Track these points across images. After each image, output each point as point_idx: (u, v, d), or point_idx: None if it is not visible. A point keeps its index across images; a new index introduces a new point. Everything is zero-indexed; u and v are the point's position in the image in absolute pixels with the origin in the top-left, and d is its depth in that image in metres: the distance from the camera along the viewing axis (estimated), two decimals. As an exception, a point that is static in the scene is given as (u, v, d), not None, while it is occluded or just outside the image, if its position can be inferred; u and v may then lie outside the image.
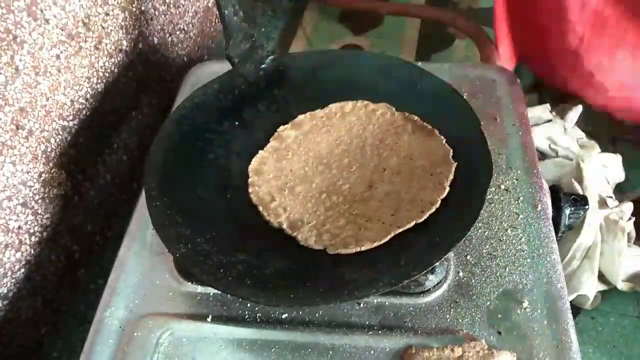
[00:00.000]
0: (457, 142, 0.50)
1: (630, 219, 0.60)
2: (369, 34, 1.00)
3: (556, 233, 0.51)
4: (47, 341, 0.61)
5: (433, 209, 0.45)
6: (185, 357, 0.44)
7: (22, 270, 0.56)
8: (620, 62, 0.60)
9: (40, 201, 0.56)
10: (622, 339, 0.58)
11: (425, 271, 0.41)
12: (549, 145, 0.64)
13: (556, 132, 0.63)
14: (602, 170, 0.63)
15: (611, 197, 0.61)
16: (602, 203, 0.60)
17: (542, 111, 0.66)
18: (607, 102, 0.65)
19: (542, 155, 0.65)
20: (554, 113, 0.67)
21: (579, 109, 0.67)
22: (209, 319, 0.45)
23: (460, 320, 0.44)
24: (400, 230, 0.45)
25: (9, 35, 0.49)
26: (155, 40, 0.74)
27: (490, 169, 0.45)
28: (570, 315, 0.44)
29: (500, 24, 0.72)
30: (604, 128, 0.74)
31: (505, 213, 0.51)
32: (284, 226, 0.47)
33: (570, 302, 0.56)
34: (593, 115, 0.71)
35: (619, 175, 0.65)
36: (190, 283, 0.48)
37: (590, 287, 0.56)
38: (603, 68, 0.61)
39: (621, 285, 0.57)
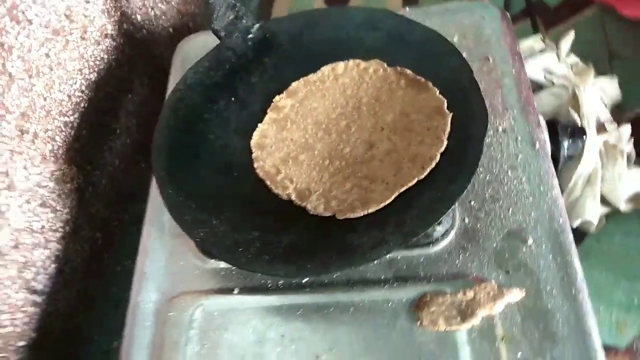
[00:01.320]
0: (451, 91, 0.51)
1: (629, 140, 0.61)
2: (353, -22, 0.97)
3: (556, 166, 0.53)
4: (86, 326, 0.65)
5: (433, 164, 0.47)
6: (218, 329, 0.47)
7: (53, 265, 0.59)
8: None
9: (57, 198, 0.59)
10: (628, 257, 0.60)
11: (430, 227, 0.43)
12: (544, 75, 0.64)
13: (550, 61, 0.63)
14: (599, 94, 0.63)
15: (609, 120, 0.62)
16: (601, 128, 0.61)
17: (534, 42, 0.65)
18: None
19: (538, 87, 0.65)
20: (547, 41, 0.66)
21: (571, 36, 0.66)
22: (235, 292, 0.49)
23: (469, 265, 0.47)
24: (404, 189, 0.46)
25: (-4, 44, 0.50)
26: (139, 17, 0.74)
27: (486, 118, 0.46)
28: (574, 248, 0.46)
29: None
30: (601, 47, 0.74)
31: (505, 154, 0.52)
32: (293, 197, 0.49)
33: (576, 227, 0.59)
34: (589, 38, 0.70)
35: (616, 97, 0.66)
36: (212, 260, 0.51)
37: (593, 213, 0.58)
38: None
39: (624, 207, 0.59)
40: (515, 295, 0.45)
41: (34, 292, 0.56)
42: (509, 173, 0.51)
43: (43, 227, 0.57)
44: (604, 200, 0.60)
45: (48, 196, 0.57)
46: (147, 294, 0.50)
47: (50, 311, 0.58)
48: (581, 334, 0.42)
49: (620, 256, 0.60)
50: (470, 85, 0.49)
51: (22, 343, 0.55)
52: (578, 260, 0.46)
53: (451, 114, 0.49)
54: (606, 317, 0.55)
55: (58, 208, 0.59)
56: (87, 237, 0.64)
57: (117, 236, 0.71)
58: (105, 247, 0.68)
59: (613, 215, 0.61)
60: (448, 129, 0.48)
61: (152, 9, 0.77)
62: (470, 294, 0.45)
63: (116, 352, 0.64)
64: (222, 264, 0.50)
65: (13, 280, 0.53)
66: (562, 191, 0.55)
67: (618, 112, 0.69)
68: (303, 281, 0.48)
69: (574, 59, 0.65)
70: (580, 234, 0.60)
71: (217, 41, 0.58)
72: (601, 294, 0.57)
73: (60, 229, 0.59)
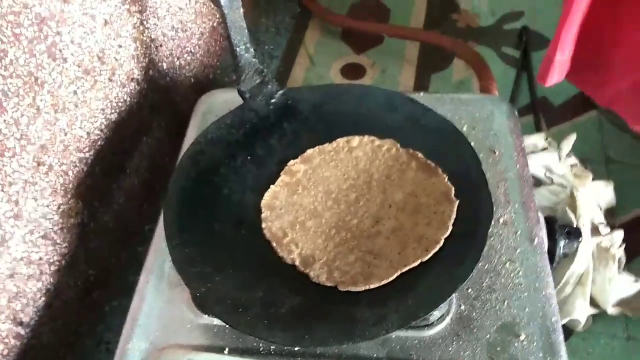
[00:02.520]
0: (459, 180, 0.53)
1: (620, 245, 0.63)
2: (370, 52, 1.02)
3: (551, 263, 0.54)
4: (65, 362, 0.64)
5: (437, 248, 0.48)
6: (205, 388, 0.47)
7: (43, 298, 0.58)
8: None
9: (59, 232, 0.59)
10: None
11: (432, 311, 0.44)
12: (544, 173, 0.67)
13: (551, 160, 0.66)
14: (595, 197, 0.66)
15: (603, 223, 0.65)
16: (594, 230, 0.63)
17: (537, 139, 0.69)
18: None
19: (538, 182, 0.68)
20: (549, 140, 0.70)
21: (572, 137, 0.69)
22: (225, 352, 0.48)
23: (462, 353, 0.47)
24: (407, 268, 0.47)
25: (31, 78, 0.52)
26: (165, 65, 0.77)
27: (491, 211, 0.48)
28: (564, 347, 0.47)
29: (568, 26, 0.67)
30: (598, 150, 0.77)
31: (504, 246, 0.54)
32: (297, 263, 0.50)
33: (563, 324, 0.60)
34: (587, 139, 0.74)
35: (611, 200, 0.69)
36: (207, 315, 0.51)
37: (582, 312, 0.59)
38: None
39: (611, 310, 0.61)
40: (504, 390, 0.45)
41: (20, 324, 0.55)
42: (507, 265, 0.52)
43: (41, 258, 0.57)
44: (592, 302, 0.61)
45: (51, 229, 0.58)
46: (136, 342, 0.50)
47: (32, 344, 0.57)
48: None
49: (604, 358, 0.61)
50: (478, 177, 0.51)
51: (-3, 376, 0.53)
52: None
53: (458, 201, 0.51)
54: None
55: (58, 241, 0.59)
56: (81, 272, 0.64)
57: (111, 274, 0.70)
58: (98, 285, 0.68)
59: (600, 316, 0.63)
60: (454, 215, 0.50)
61: (178, 58, 0.81)
62: (460, 383, 0.45)
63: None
64: (216, 321, 0.50)
65: (1, 309, 0.53)
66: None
67: (611, 216, 0.72)
68: (295, 349, 0.48)
69: (573, 160, 0.69)
70: (567, 331, 0.61)
71: (239, 99, 0.61)
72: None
73: (56, 262, 0.59)
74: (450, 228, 0.49)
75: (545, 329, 0.48)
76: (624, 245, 0.64)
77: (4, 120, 0.49)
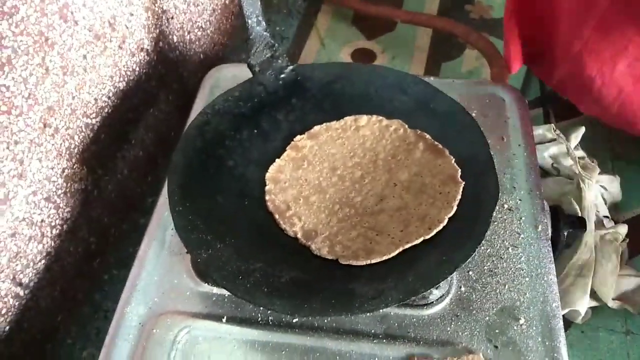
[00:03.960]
0: (466, 163, 0.53)
1: (624, 240, 0.63)
2: (381, 38, 1.02)
3: (554, 252, 0.54)
4: (62, 328, 0.64)
5: (440, 227, 0.48)
6: (201, 355, 0.47)
7: (43, 261, 0.58)
8: (619, 72, 0.61)
9: (62, 195, 0.59)
10: (609, 353, 0.61)
11: (431, 288, 0.44)
12: (552, 164, 0.66)
13: (559, 152, 0.66)
14: (601, 190, 0.66)
15: (607, 217, 0.64)
16: (599, 223, 0.63)
17: (546, 130, 0.68)
18: (603, 111, 0.66)
19: (545, 173, 0.67)
20: (557, 132, 0.69)
21: (581, 130, 0.69)
22: (224, 320, 0.48)
23: (460, 333, 0.47)
24: (409, 245, 0.47)
25: (41, 38, 0.51)
26: (175, 38, 0.76)
27: (497, 193, 0.48)
28: (562, 334, 0.47)
29: (510, 21, 0.73)
30: (605, 146, 0.77)
31: (508, 232, 0.53)
32: (299, 235, 0.50)
33: (562, 316, 0.60)
34: (595, 135, 0.73)
35: (617, 195, 0.68)
36: (206, 284, 0.51)
37: (582, 304, 0.59)
38: (603, 75, 0.62)
39: (611, 304, 0.61)
40: (501, 371, 0.45)
41: (19, 284, 0.55)
42: (510, 250, 0.52)
43: (43, 220, 0.57)
44: (592, 294, 0.61)
45: (54, 192, 0.58)
46: (135, 306, 0.50)
47: (30, 306, 0.57)
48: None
49: (602, 351, 0.61)
50: (485, 160, 0.51)
51: (-6, 334, 0.54)
52: (565, 347, 0.46)
53: (463, 183, 0.51)
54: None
55: (61, 205, 0.59)
56: (82, 239, 0.64)
57: (111, 244, 0.70)
58: (98, 253, 0.68)
59: (600, 309, 0.62)
60: (459, 196, 0.50)
61: (189, 33, 0.80)
62: (457, 362, 0.45)
63: (85, 362, 0.63)
64: (215, 290, 0.50)
65: (1, 268, 0.52)
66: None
67: (616, 211, 0.71)
68: (293, 320, 0.48)
69: (581, 153, 0.68)
70: (566, 323, 0.60)
71: (248, 74, 0.61)
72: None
73: (58, 226, 0.59)
74: (455, 208, 0.49)
75: (545, 314, 0.48)
76: (627, 240, 0.64)
77: (13, 78, 0.49)
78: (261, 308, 0.49)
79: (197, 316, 0.49)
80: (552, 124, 0.69)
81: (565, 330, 0.56)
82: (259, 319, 0.48)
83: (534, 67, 0.79)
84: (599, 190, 0.65)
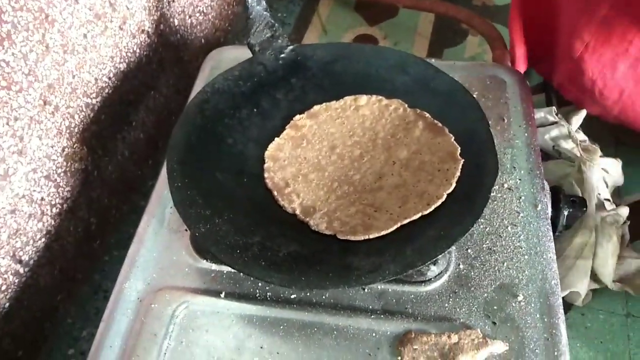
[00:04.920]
0: (466, 141, 0.52)
1: (625, 222, 0.63)
2: (384, 24, 1.01)
3: (554, 232, 0.54)
4: (62, 307, 0.64)
5: (439, 203, 0.48)
6: (199, 330, 0.47)
7: (43, 239, 0.58)
8: (621, 73, 0.62)
9: (62, 174, 0.59)
10: (609, 336, 0.61)
11: (429, 262, 0.44)
12: (553, 146, 0.66)
13: (560, 134, 0.65)
14: (602, 174, 0.66)
15: (609, 200, 0.64)
16: (600, 205, 0.62)
17: (548, 113, 0.68)
18: (605, 111, 0.67)
19: (546, 156, 0.67)
20: (559, 116, 0.69)
21: (583, 113, 0.69)
22: (222, 295, 0.48)
23: (458, 310, 0.47)
24: (407, 221, 0.47)
25: (41, 14, 0.51)
26: (176, 21, 0.76)
27: (496, 169, 0.47)
28: (561, 311, 0.47)
29: (515, 24, 0.74)
30: (607, 132, 0.77)
31: (507, 211, 0.53)
32: (297, 212, 0.50)
33: (562, 298, 0.60)
34: (597, 119, 0.73)
35: (618, 179, 0.68)
36: (205, 260, 0.51)
37: (582, 285, 0.58)
38: (604, 77, 0.63)
39: (612, 285, 0.60)
40: (499, 347, 0.45)
41: (19, 261, 0.56)
42: (509, 229, 0.52)
43: (42, 199, 0.57)
44: (593, 276, 0.61)
45: (54, 170, 0.58)
46: (133, 282, 0.50)
47: (29, 284, 0.57)
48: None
49: (602, 334, 0.61)
50: (485, 137, 0.51)
51: (-6, 310, 0.54)
52: (564, 324, 0.46)
53: (463, 160, 0.51)
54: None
55: (61, 184, 0.59)
56: (82, 219, 0.64)
57: (111, 225, 0.70)
58: (98, 234, 0.68)
59: (601, 292, 0.62)
60: (458, 173, 0.50)
61: (190, 17, 0.80)
62: (454, 338, 0.45)
63: (86, 341, 0.63)
64: (214, 266, 0.50)
65: (1, 244, 0.53)
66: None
67: (618, 196, 0.71)
68: (291, 296, 0.48)
69: (582, 136, 0.68)
70: (566, 305, 0.60)
71: (249, 56, 0.61)
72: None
73: (58, 205, 0.59)
74: (454, 185, 0.49)
75: (543, 291, 0.48)
76: (628, 223, 0.64)
77: (12, 53, 0.49)
78: (259, 284, 0.49)
79: (196, 292, 0.49)
80: (554, 107, 0.69)
81: (565, 313, 0.56)
82: (257, 294, 0.48)
83: (537, 68, 0.79)
84: (600, 173, 0.64)
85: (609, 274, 0.59)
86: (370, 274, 0.42)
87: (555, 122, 0.67)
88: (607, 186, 0.65)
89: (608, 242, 0.59)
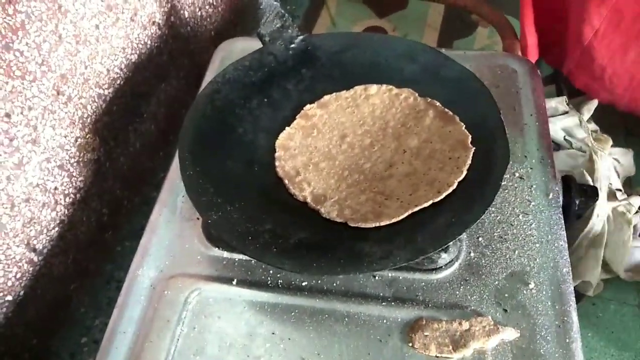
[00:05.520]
0: (477, 129, 0.52)
1: (637, 212, 0.62)
2: (393, 16, 1.01)
3: (565, 221, 0.54)
4: (75, 297, 0.65)
5: (450, 190, 0.48)
6: (211, 316, 0.47)
7: (56, 228, 0.59)
8: (631, 60, 0.61)
9: (75, 164, 0.60)
10: (621, 326, 0.61)
11: (439, 249, 0.44)
12: (564, 136, 0.65)
13: (572, 124, 0.65)
14: (614, 163, 0.65)
15: (620, 190, 0.64)
16: (611, 195, 0.62)
17: (559, 103, 0.68)
18: (615, 98, 0.66)
19: (557, 146, 0.66)
20: (570, 106, 0.68)
21: (594, 103, 0.68)
22: (234, 282, 0.49)
23: (469, 297, 0.47)
24: (418, 208, 0.47)
25: (54, 5, 0.52)
26: (186, 13, 0.77)
27: (507, 157, 0.47)
28: (573, 298, 0.47)
29: (527, 12, 0.73)
30: (618, 123, 0.76)
31: (518, 199, 0.53)
32: (308, 200, 0.50)
33: (574, 287, 0.59)
34: (608, 110, 0.72)
35: (630, 169, 0.67)
36: (217, 248, 0.51)
37: (594, 275, 0.58)
38: (614, 64, 0.63)
39: (624, 275, 0.60)
40: (510, 333, 0.45)
41: (33, 250, 0.56)
42: (520, 217, 0.52)
43: (56, 188, 0.58)
44: (604, 266, 0.61)
45: (67, 160, 0.58)
46: (146, 269, 0.51)
47: (43, 273, 0.58)
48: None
49: (613, 324, 0.60)
50: (496, 125, 0.51)
51: (9, 297, 0.54)
52: (575, 311, 0.46)
53: (474, 148, 0.51)
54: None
55: (74, 174, 0.60)
56: (95, 209, 0.65)
57: (124, 217, 0.71)
58: (111, 225, 0.68)
59: (612, 282, 0.62)
60: (469, 161, 0.50)
61: (200, 9, 0.81)
62: (465, 324, 0.45)
63: (98, 330, 0.64)
64: (226, 254, 0.51)
65: (16, 232, 0.53)
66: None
67: (629, 186, 0.70)
68: (302, 283, 0.48)
69: (594, 126, 0.67)
70: (577, 295, 0.60)
71: (260, 47, 0.61)
72: (590, 357, 0.57)
73: (71, 195, 0.60)
74: (465, 173, 0.49)
75: (555, 279, 0.48)
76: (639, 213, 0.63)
77: (26, 43, 0.50)
78: (271, 271, 0.49)
79: (208, 279, 0.49)
80: (565, 97, 0.69)
81: (577, 302, 0.56)
82: (269, 282, 0.49)
83: (548, 57, 0.79)
84: (611, 163, 0.64)
85: (621, 263, 0.59)
86: (381, 261, 0.43)
87: (567, 112, 0.66)
88: (618, 176, 0.65)
89: (619, 231, 0.59)
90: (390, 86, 0.58)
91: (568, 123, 0.65)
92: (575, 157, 0.63)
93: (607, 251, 0.60)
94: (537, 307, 0.46)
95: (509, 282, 0.48)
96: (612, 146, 0.67)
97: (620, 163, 0.66)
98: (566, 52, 0.73)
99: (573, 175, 0.59)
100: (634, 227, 0.62)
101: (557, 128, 0.66)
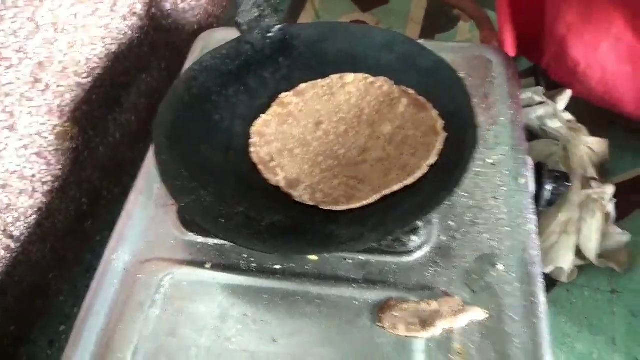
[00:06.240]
0: (449, 116, 0.53)
1: (612, 200, 0.63)
2: (376, 10, 1.02)
3: (537, 207, 0.54)
4: (54, 285, 0.65)
5: (420, 174, 0.49)
6: (184, 299, 0.48)
7: (34, 216, 0.59)
8: (602, 53, 0.62)
9: (53, 152, 0.60)
10: (594, 312, 0.61)
11: (407, 228, 0.45)
12: (539, 126, 0.66)
13: (547, 114, 0.66)
14: (588, 152, 0.66)
15: (595, 179, 0.64)
16: (586, 183, 0.63)
17: (535, 93, 0.68)
18: (589, 92, 0.67)
19: (532, 136, 0.67)
20: (546, 96, 0.69)
21: (568, 93, 0.69)
22: (207, 266, 0.49)
23: (438, 279, 0.48)
24: (388, 191, 0.48)
25: (31, -8, 0.52)
26: (168, 5, 0.77)
27: (476, 141, 0.48)
28: (541, 279, 0.48)
29: (503, 9, 0.74)
30: (598, 114, 0.77)
31: (490, 185, 0.54)
32: (282, 184, 0.51)
33: (548, 274, 0.60)
34: (587, 105, 0.73)
35: (603, 156, 0.68)
36: (191, 233, 0.51)
37: (566, 261, 0.59)
38: (587, 57, 0.64)
39: (597, 262, 0.61)
40: (478, 314, 0.45)
41: (10, 236, 0.57)
42: (491, 202, 0.53)
43: (34, 176, 0.58)
44: (578, 253, 0.61)
45: (45, 148, 0.59)
46: (121, 254, 0.51)
47: (21, 260, 0.58)
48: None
49: (587, 309, 0.61)
50: (468, 112, 0.51)
51: (-14, 284, 0.55)
52: (543, 292, 0.47)
53: (446, 134, 0.51)
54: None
55: (52, 162, 0.60)
56: (73, 198, 0.65)
57: (103, 207, 0.71)
58: (90, 214, 0.69)
59: (586, 268, 0.63)
60: (440, 147, 0.50)
61: (182, 1, 0.81)
62: (434, 305, 0.46)
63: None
64: (200, 238, 0.51)
65: (-7, 220, 0.54)
66: (540, 235, 0.56)
67: (605, 175, 0.71)
68: (276, 267, 0.49)
69: (569, 116, 0.68)
70: (551, 281, 0.61)
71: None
72: (564, 342, 0.58)
73: (49, 183, 0.60)
74: (435, 157, 0.50)
75: (524, 261, 0.48)
76: (615, 201, 0.64)
77: (2, 30, 0.50)
78: (244, 255, 0.50)
79: (182, 263, 0.50)
80: (541, 87, 0.70)
81: (551, 289, 0.57)
82: (242, 265, 0.49)
83: (527, 52, 0.80)
84: (585, 151, 0.65)
85: (594, 249, 0.60)
86: (351, 242, 0.43)
87: (542, 102, 0.67)
88: (593, 165, 0.66)
89: (592, 218, 0.60)
90: (366, 75, 0.59)
91: (543, 113, 0.66)
92: (549, 145, 0.64)
93: (581, 238, 0.61)
94: (505, 288, 0.47)
95: (478, 264, 0.49)
96: (587, 136, 0.68)
97: (594, 152, 0.67)
98: (543, 47, 0.74)
99: (546, 163, 0.60)
100: (608, 214, 0.63)
101: (532, 117, 0.66)
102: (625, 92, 0.65)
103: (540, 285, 0.47)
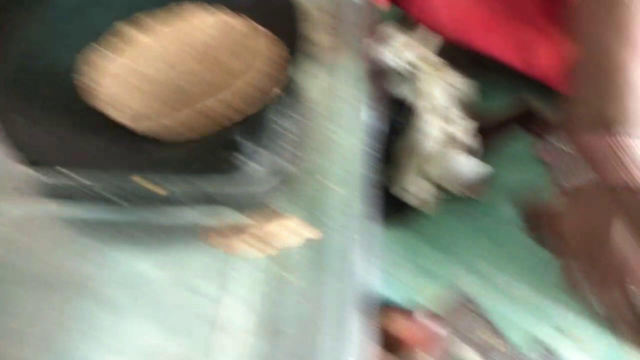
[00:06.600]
0: (282, 36, 0.54)
1: (476, 135, 0.65)
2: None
3: (383, 136, 0.56)
4: None
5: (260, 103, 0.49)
6: (13, 234, 0.46)
7: None
8: None
9: None
10: (460, 239, 0.63)
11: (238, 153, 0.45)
12: (393, 60, 0.67)
13: (403, 49, 0.67)
14: (451, 90, 0.68)
15: (455, 113, 0.66)
16: (444, 117, 0.65)
17: (394, 30, 0.69)
18: (443, 28, 0.69)
19: (384, 72, 0.68)
20: (404, 33, 0.70)
21: (435, 39, 0.70)
22: (39, 199, 0.48)
23: (277, 203, 0.49)
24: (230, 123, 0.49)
25: None
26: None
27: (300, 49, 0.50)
28: (379, 200, 0.50)
29: None
30: (464, 55, 0.78)
31: (332, 114, 0.55)
32: (122, 119, 0.50)
33: (407, 203, 0.63)
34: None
35: (466, 95, 0.70)
36: (21, 165, 0.49)
37: (420, 188, 0.61)
38: None
39: (454, 189, 0.63)
40: (314, 233, 0.47)
41: None
42: (330, 128, 0.54)
43: None
44: (437, 184, 0.64)
45: None
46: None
47: None
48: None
49: (454, 238, 0.62)
50: (297, 30, 0.53)
51: None
52: (381, 211, 0.49)
53: (286, 63, 0.52)
54: (410, 279, 0.57)
55: None
56: None
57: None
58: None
59: (446, 198, 0.64)
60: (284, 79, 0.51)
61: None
62: (272, 226, 0.47)
63: None
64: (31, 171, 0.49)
65: None
66: (390, 162, 0.59)
67: (471, 113, 0.73)
68: (109, 196, 0.47)
69: (429, 54, 0.69)
70: (414, 211, 0.63)
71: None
72: (414, 260, 0.59)
73: None
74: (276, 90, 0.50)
75: (361, 180, 0.50)
76: (479, 137, 0.66)
77: None
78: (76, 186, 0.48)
79: (11, 195, 0.48)
80: (401, 25, 0.70)
81: (413, 219, 0.59)
82: (78, 197, 0.48)
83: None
84: (446, 88, 0.67)
85: (449, 177, 0.62)
86: (178, 165, 0.44)
87: (404, 41, 0.68)
88: (459, 103, 0.68)
89: (446, 147, 0.62)
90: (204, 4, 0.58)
91: (400, 48, 0.67)
92: (404, 79, 0.65)
93: (440, 169, 0.63)
94: (343, 209, 0.48)
95: (318, 188, 0.50)
96: (451, 75, 0.69)
97: (458, 89, 0.69)
98: None
99: (402, 97, 0.62)
100: (471, 148, 0.65)
101: (386, 52, 0.67)
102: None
103: (377, 205, 0.49)
